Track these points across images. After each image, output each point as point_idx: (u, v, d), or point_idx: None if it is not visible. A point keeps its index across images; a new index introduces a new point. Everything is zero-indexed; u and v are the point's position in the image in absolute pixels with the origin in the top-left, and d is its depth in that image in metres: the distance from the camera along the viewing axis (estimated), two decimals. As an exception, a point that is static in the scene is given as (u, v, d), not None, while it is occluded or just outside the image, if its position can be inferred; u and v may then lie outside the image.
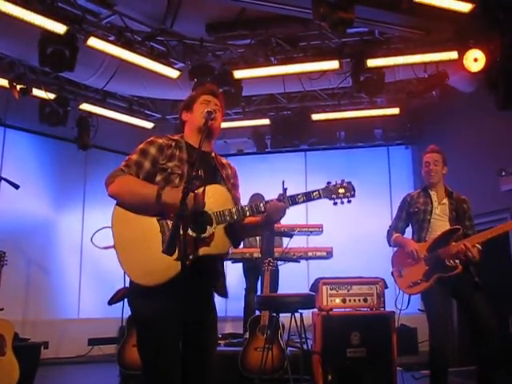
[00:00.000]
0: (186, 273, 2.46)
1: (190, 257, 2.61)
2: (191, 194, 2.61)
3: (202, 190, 2.70)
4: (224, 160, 3.16)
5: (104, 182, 2.80)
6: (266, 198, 2.87)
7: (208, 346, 2.83)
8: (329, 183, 2.90)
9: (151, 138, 2.93)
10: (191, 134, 3.00)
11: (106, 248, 2.66)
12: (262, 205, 2.80)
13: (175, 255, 2.47)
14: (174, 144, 2.92)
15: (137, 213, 2.73)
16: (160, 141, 2.90)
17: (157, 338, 2.66)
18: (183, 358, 2.71)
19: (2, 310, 5.13)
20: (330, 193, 2.88)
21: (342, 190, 2.89)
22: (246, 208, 2.79)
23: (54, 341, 7.77)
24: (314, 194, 2.87)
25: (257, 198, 7.06)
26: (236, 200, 2.97)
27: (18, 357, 5.04)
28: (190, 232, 2.62)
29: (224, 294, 2.94)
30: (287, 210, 2.83)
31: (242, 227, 2.90)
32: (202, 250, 2.68)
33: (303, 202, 2.85)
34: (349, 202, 2.90)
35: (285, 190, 2.83)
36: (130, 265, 2.68)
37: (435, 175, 4.71)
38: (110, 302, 6.08)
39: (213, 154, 3.08)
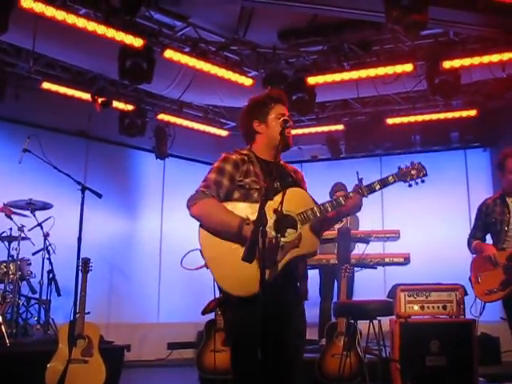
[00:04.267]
0: (273, 279, 2.50)
1: (282, 262, 2.67)
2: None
3: (281, 195, 2.68)
4: (290, 167, 3.16)
5: (186, 204, 2.86)
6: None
7: (291, 350, 2.84)
8: (400, 167, 2.98)
9: (224, 155, 2.95)
10: (264, 148, 2.99)
11: (197, 269, 2.74)
12: (342, 199, 2.86)
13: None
14: (246, 159, 2.93)
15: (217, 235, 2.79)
16: (233, 157, 2.92)
17: (246, 342, 2.71)
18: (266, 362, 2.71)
19: (88, 313, 5.34)
20: (403, 176, 2.95)
21: (414, 172, 2.96)
22: (328, 204, 2.84)
23: (136, 344, 7.97)
24: (389, 178, 2.95)
25: (340, 186, 7.06)
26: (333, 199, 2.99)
27: (104, 358, 5.26)
28: (280, 238, 2.65)
29: (305, 296, 2.99)
30: (364, 204, 2.91)
31: (322, 222, 2.91)
32: (293, 252, 2.73)
33: (380, 188, 2.92)
34: (422, 181, 2.96)
35: (360, 180, 2.90)
36: (225, 279, 2.75)
37: None
38: (204, 313, 6.22)
39: (282, 162, 3.08)
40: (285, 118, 2.91)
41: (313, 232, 2.82)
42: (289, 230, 2.74)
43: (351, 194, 2.87)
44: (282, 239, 2.68)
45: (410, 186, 2.96)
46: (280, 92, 3.18)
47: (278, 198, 2.69)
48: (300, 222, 2.76)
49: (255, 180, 2.86)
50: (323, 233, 3.10)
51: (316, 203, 2.87)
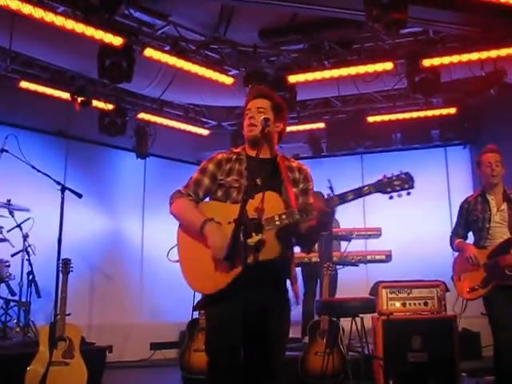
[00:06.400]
0: (241, 279, 2.55)
1: (244, 264, 2.64)
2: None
3: (260, 197, 2.69)
4: (294, 163, 3.10)
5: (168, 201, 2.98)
6: None
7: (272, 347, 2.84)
8: (384, 176, 2.72)
9: (213, 155, 3.02)
10: (247, 145, 3.06)
11: (177, 261, 2.82)
12: (310, 207, 2.76)
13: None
14: (234, 157, 2.98)
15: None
16: (219, 156, 3.00)
17: (216, 340, 2.78)
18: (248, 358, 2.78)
19: (69, 315, 5.29)
20: (383, 186, 2.69)
21: (397, 182, 2.69)
22: (295, 211, 2.74)
23: (118, 345, 7.92)
24: (365, 189, 2.70)
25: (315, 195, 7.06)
26: (303, 205, 2.87)
27: (86, 360, 5.21)
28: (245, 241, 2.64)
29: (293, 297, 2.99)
30: (339, 212, 2.77)
31: (304, 231, 2.87)
32: (253, 257, 2.68)
33: (353, 199, 2.70)
34: (408, 194, 2.70)
35: (330, 188, 2.74)
36: (189, 274, 2.85)
37: (497, 176, 4.59)
38: (195, 309, 6.21)
39: (277, 159, 3.02)
40: (248, 115, 2.99)
41: (278, 239, 2.75)
42: (253, 234, 2.68)
43: (317, 203, 2.73)
44: (247, 241, 2.65)
45: (391, 197, 2.70)
46: (256, 88, 3.24)
47: (259, 196, 2.70)
48: (266, 227, 2.71)
49: (236, 179, 2.90)
50: (310, 243, 3.12)
51: (286, 209, 2.79)
